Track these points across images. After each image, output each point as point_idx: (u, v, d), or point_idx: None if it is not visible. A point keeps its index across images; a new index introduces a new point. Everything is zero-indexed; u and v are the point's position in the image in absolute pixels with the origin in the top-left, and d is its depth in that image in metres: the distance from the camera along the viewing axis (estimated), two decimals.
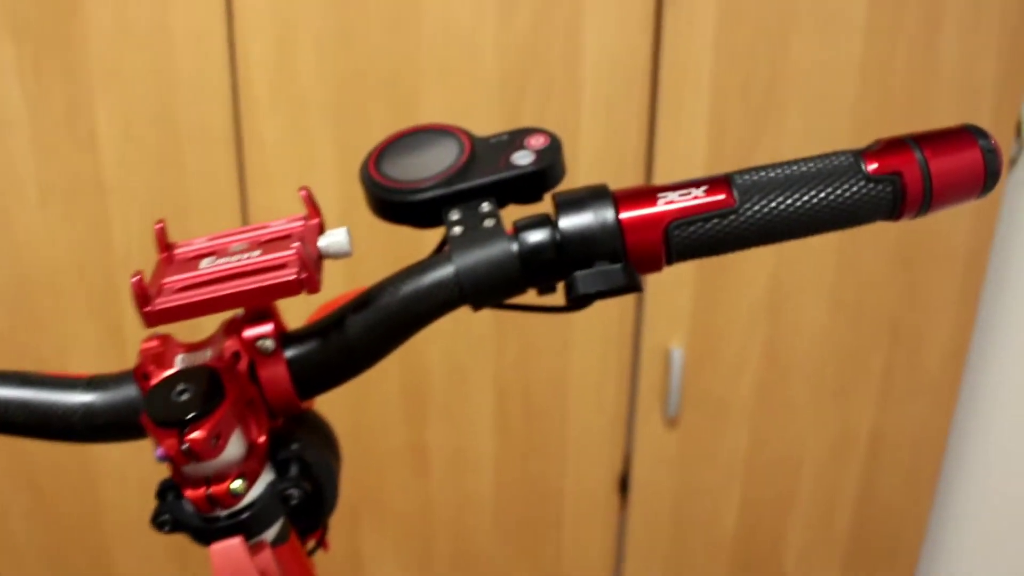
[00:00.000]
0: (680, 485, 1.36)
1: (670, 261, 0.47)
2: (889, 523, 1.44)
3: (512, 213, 0.48)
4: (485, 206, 0.48)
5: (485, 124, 1.18)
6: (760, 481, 1.37)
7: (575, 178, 1.24)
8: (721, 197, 0.46)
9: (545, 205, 0.48)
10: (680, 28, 1.12)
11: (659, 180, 1.17)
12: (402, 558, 1.37)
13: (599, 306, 0.51)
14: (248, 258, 0.47)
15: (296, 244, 0.46)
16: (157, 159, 1.13)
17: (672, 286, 1.24)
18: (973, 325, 1.33)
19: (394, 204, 0.50)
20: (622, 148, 1.16)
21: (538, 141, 0.51)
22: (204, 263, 0.48)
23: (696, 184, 0.47)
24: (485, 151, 0.51)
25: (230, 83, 1.10)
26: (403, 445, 1.30)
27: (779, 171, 0.47)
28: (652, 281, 1.24)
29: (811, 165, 0.47)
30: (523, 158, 0.50)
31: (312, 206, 0.51)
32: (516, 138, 0.52)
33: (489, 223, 0.47)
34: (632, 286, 0.46)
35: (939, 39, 1.17)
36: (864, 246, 1.25)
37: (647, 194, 0.47)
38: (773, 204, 0.46)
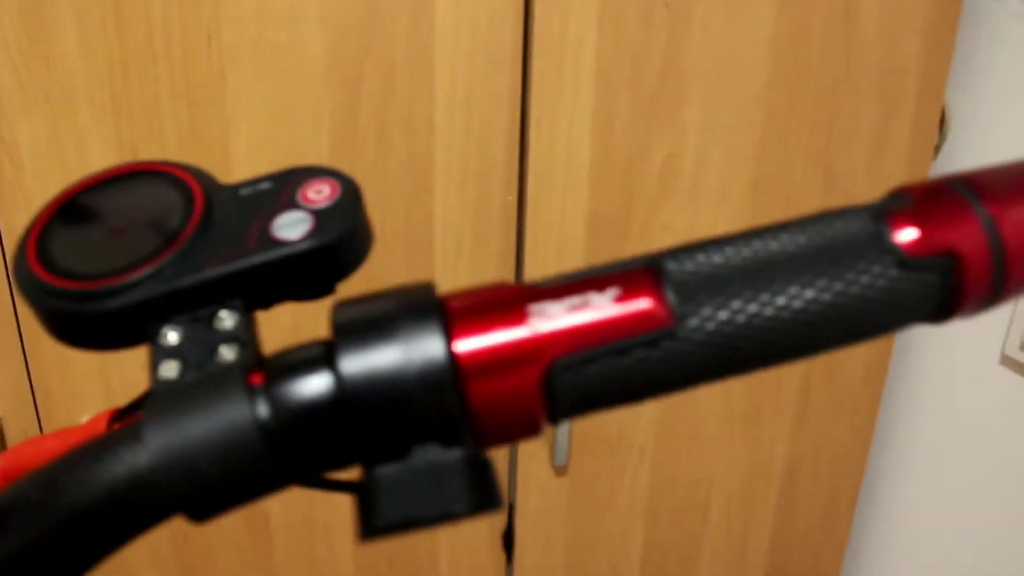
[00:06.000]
0: (573, 536, 1.16)
1: (556, 420, 0.25)
2: (806, 557, 1.28)
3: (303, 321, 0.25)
4: (224, 318, 0.27)
5: (311, 120, 0.94)
6: (664, 524, 1.19)
7: (429, 196, 1.01)
8: (645, 306, 0.25)
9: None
10: None
11: (535, 190, 0.96)
12: None
13: None
14: None
15: None
16: None
17: None
18: (893, 340, 1.18)
19: (63, 316, 0.27)
20: (488, 149, 0.94)
21: (320, 193, 0.29)
22: None
23: (597, 282, 0.25)
24: (229, 212, 0.29)
25: None
26: (237, 514, 1.05)
27: (739, 253, 0.25)
28: None
29: (795, 241, 0.25)
30: (293, 227, 0.28)
31: None
32: (282, 188, 0.29)
33: (225, 356, 0.26)
34: (482, 503, 0.24)
35: (859, 14, 0.99)
36: None
37: (506, 304, 0.25)
38: (736, 317, 0.25)
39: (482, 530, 1.13)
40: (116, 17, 0.82)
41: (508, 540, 1.15)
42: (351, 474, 0.26)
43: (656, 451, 1.13)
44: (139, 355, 0.27)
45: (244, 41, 0.85)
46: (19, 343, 0.91)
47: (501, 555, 1.15)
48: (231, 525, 1.05)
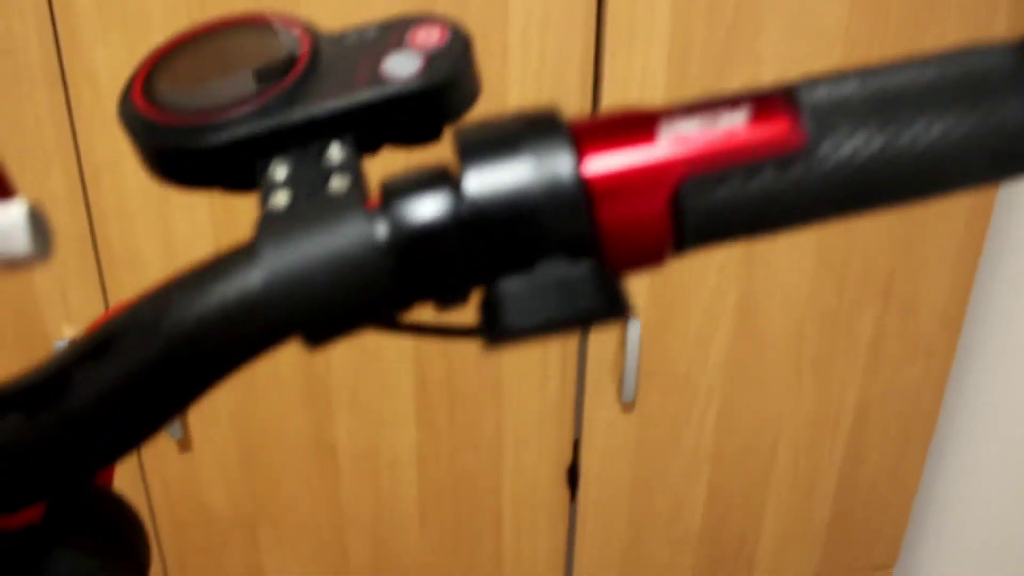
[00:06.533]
0: (638, 475, 1.16)
1: (682, 247, 0.25)
2: (873, 505, 1.27)
3: (387, 165, 0.25)
4: (334, 153, 0.26)
5: None
6: (729, 468, 1.18)
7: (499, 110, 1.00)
8: (778, 127, 0.24)
9: (443, 149, 0.26)
10: None
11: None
12: (312, 574, 1.15)
13: None
14: None
15: None
16: None
17: None
18: (972, 283, 1.14)
19: (171, 153, 0.27)
20: (562, 76, 0.93)
21: (429, 36, 0.29)
22: None
23: (731, 103, 0.24)
24: (337, 56, 0.29)
25: (45, 1, 0.84)
26: (306, 443, 1.07)
27: (872, 83, 0.24)
28: None
29: (934, 72, 0.24)
30: (403, 65, 0.28)
31: None
32: (391, 33, 0.29)
33: (338, 186, 0.25)
34: (611, 309, 0.24)
35: None
36: None
37: (637, 125, 0.24)
38: (870, 145, 0.24)
39: (546, 465, 1.13)
40: None
41: (573, 476, 1.15)
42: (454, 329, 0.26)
43: (724, 391, 1.12)
44: None
45: None
46: (96, 264, 0.93)
47: (565, 491, 1.16)
48: (299, 454, 1.07)
